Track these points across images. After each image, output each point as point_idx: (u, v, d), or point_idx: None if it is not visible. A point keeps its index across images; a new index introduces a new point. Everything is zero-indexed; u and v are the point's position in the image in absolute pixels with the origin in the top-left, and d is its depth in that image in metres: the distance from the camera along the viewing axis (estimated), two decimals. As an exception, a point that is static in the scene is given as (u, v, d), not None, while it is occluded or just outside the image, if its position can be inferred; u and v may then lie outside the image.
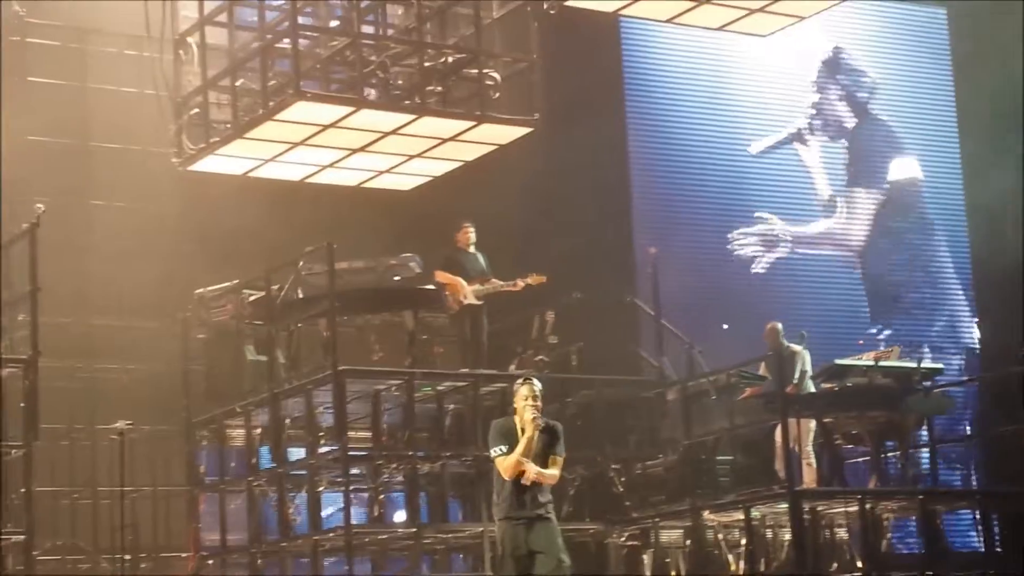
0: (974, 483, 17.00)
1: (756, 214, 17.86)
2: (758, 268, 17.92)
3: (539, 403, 9.51)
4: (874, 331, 17.84)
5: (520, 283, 14.23)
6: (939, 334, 18.35)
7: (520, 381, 9.73)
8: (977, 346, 18.10)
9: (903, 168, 18.95)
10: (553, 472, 9.41)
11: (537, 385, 9.62)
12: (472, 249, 14.30)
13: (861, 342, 16.15)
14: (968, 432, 17.31)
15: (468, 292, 13.92)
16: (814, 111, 18.62)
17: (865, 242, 18.51)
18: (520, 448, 9.39)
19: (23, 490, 12.09)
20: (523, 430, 9.40)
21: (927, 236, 18.83)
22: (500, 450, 9.60)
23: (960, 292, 18.79)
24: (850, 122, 18.93)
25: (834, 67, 18.67)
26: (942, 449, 14.84)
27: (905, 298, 18.51)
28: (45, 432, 12.68)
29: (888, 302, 18.40)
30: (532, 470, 9.41)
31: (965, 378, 16.86)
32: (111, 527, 14.18)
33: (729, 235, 17.82)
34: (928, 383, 13.85)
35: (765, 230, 17.85)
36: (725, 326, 16.62)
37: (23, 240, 12.28)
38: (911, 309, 18.52)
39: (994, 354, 17.36)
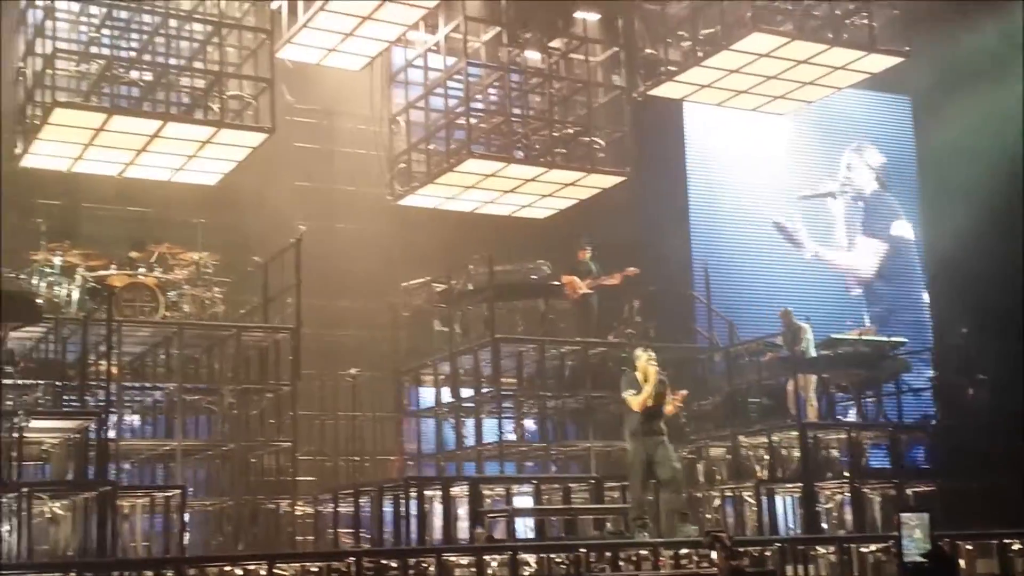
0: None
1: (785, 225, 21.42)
2: (783, 271, 21.18)
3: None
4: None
5: (619, 276, 16.25)
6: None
7: (642, 348, 12.16)
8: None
9: (900, 228, 22.84)
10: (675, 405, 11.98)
11: (652, 352, 12.13)
12: (588, 259, 16.59)
13: (849, 323, 18.16)
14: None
15: (582, 286, 16.32)
16: (845, 178, 22.49)
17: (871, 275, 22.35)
18: (647, 390, 11.75)
19: (291, 414, 14.65)
20: (646, 379, 11.73)
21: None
22: (632, 392, 11.93)
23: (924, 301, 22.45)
24: (868, 189, 22.74)
25: (860, 150, 22.57)
26: (905, 397, 16.48)
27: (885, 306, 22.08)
28: (305, 376, 15.02)
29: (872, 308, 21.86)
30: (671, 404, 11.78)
31: (921, 348, 18.23)
32: (346, 438, 16.49)
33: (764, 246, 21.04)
34: (894, 351, 16.02)
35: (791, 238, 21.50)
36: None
37: (292, 250, 14.63)
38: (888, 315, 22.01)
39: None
